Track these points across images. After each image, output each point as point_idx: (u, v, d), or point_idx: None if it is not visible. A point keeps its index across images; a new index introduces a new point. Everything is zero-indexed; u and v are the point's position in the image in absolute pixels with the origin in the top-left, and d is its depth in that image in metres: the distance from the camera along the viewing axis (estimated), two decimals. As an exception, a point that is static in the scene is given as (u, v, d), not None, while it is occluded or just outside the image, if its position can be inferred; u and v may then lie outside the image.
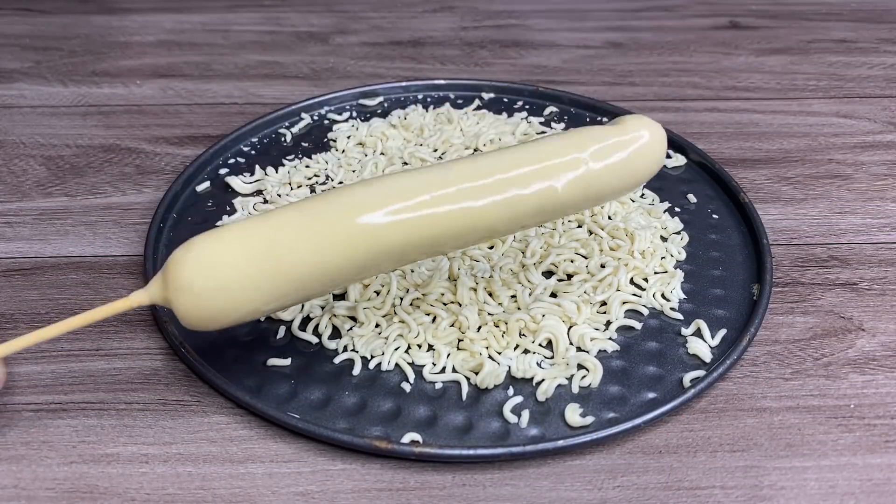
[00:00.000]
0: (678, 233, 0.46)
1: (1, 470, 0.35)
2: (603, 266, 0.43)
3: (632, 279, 0.43)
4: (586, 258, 0.44)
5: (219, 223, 0.46)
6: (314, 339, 0.40)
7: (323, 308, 0.41)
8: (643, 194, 0.49)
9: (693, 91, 0.61)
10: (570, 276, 0.43)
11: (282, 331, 0.40)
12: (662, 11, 0.71)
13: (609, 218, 0.46)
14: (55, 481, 0.34)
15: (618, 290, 0.42)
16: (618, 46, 0.66)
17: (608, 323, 0.41)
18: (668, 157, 0.52)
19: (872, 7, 0.72)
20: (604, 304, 0.42)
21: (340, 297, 0.42)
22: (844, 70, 0.63)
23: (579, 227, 0.46)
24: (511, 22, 0.70)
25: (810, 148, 0.55)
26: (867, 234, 0.47)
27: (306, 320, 0.41)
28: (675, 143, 0.53)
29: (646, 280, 0.43)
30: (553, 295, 0.42)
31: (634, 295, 0.42)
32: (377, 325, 0.40)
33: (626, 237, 0.45)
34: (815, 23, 0.69)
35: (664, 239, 0.46)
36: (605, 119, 0.55)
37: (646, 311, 0.42)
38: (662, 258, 0.44)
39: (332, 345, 0.40)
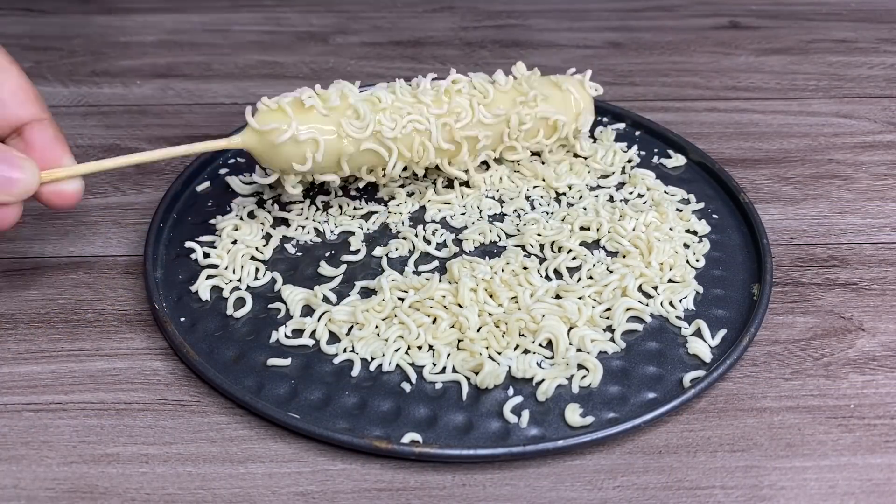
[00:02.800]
0: (701, 240, 0.46)
1: (1, 470, 0.35)
2: (610, 271, 0.43)
3: (640, 286, 0.43)
4: (594, 265, 0.44)
5: (212, 221, 0.46)
6: (311, 342, 0.40)
7: (321, 316, 0.41)
8: (670, 191, 0.49)
9: (693, 91, 0.61)
10: (576, 278, 0.43)
11: (282, 331, 0.40)
12: (662, 11, 0.71)
13: (633, 229, 0.45)
14: (55, 481, 0.35)
15: (624, 296, 0.42)
16: (618, 46, 0.66)
17: (611, 329, 0.41)
18: (668, 156, 0.52)
19: (872, 7, 0.71)
20: (608, 309, 0.42)
21: (338, 301, 0.42)
22: (844, 70, 0.63)
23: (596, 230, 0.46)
24: (511, 22, 0.70)
25: (810, 148, 0.55)
26: (867, 234, 0.47)
27: (298, 331, 0.41)
28: (675, 143, 0.53)
29: (655, 289, 0.43)
30: (557, 297, 0.42)
31: (640, 302, 0.42)
32: (376, 327, 0.40)
33: (645, 247, 0.44)
34: (815, 23, 0.69)
35: (687, 245, 0.45)
36: (605, 119, 0.55)
37: (649, 320, 0.41)
38: (680, 269, 0.44)
39: (331, 349, 0.40)
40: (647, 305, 0.42)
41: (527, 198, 0.48)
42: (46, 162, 0.38)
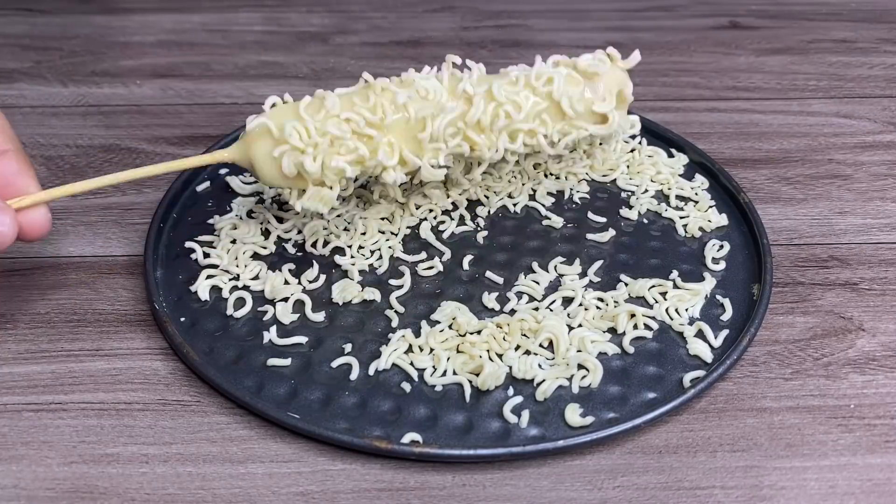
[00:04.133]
0: (720, 243, 0.45)
1: (1, 470, 0.35)
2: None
3: (650, 287, 0.42)
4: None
5: (210, 221, 0.46)
6: (305, 339, 0.40)
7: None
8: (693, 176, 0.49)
9: (693, 91, 0.61)
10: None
11: (282, 331, 0.40)
12: (662, 11, 0.71)
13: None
14: (55, 481, 0.35)
15: (628, 302, 0.42)
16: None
17: (614, 331, 0.41)
18: (670, 156, 0.52)
19: (872, 7, 0.71)
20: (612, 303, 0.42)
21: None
22: (844, 70, 0.63)
23: None
24: (511, 22, 0.70)
25: (810, 148, 0.55)
26: (867, 234, 0.47)
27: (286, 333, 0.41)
28: (675, 143, 0.53)
29: (663, 295, 0.42)
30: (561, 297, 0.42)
31: (644, 306, 0.41)
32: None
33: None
34: (815, 23, 0.69)
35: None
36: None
37: (655, 326, 0.41)
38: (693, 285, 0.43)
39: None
40: (651, 308, 0.41)
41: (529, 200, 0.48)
42: (9, 195, 0.36)
